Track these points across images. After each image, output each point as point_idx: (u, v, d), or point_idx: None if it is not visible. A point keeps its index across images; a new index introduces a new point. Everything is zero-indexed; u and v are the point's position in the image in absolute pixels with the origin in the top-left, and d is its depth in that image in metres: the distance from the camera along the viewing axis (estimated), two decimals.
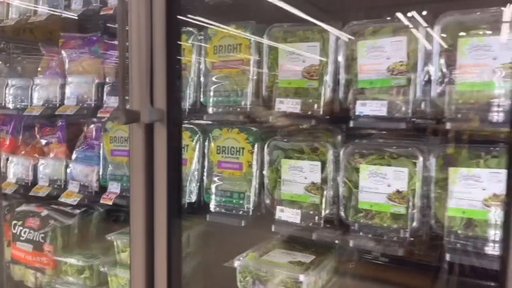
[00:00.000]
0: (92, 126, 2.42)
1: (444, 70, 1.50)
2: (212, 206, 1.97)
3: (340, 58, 1.67)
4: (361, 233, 1.66)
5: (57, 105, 2.43)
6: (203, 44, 1.98)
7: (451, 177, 1.51)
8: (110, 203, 2.21)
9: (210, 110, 1.95)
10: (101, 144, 2.34)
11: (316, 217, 1.75)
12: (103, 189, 2.34)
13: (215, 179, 1.99)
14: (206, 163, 2.03)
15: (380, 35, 1.61)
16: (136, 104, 1.24)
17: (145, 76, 1.20)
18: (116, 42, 2.40)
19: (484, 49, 1.42)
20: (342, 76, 1.68)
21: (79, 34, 2.38)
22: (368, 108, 1.60)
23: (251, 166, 1.91)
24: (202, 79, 1.97)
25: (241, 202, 1.93)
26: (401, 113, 1.55)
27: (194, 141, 2.04)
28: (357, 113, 1.62)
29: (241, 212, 1.91)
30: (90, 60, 2.32)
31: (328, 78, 1.70)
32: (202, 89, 1.97)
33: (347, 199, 1.72)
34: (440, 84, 1.50)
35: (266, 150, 1.87)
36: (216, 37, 1.95)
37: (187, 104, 1.98)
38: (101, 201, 2.24)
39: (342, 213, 1.72)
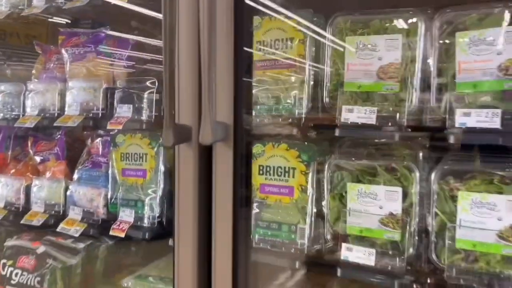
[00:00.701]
0: (98, 140, 2.02)
1: None
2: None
3: (432, 55, 1.30)
4: (461, 281, 1.27)
5: (56, 114, 2.02)
6: None
7: None
8: (122, 235, 1.79)
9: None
10: (110, 162, 1.94)
11: (397, 259, 1.36)
12: (111, 216, 1.93)
13: (255, 206, 1.59)
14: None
15: (487, 24, 1.24)
16: (187, 118, 0.84)
17: (207, 78, 0.79)
18: (129, 37, 2.03)
19: None
20: (434, 77, 1.30)
21: (83, 30, 1.98)
22: (474, 118, 1.22)
23: (305, 191, 1.52)
24: None
25: (292, 236, 1.53)
26: None
27: None
28: (457, 125, 1.24)
29: (293, 250, 1.51)
30: (97, 61, 1.92)
31: (415, 79, 1.32)
32: None
33: (438, 235, 1.33)
34: None
35: (326, 171, 1.48)
36: (259, 30, 1.56)
37: None
38: (111, 233, 1.82)
39: (433, 254, 1.33)
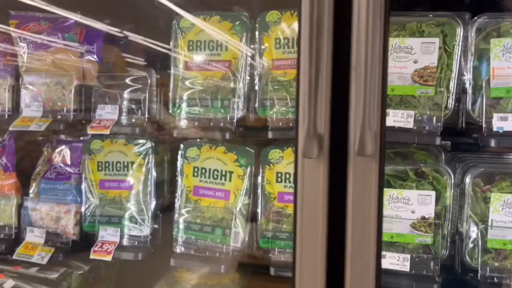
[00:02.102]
0: (63, 147, 1.69)
1: None
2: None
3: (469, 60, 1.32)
4: (495, 279, 1.32)
5: (6, 116, 1.65)
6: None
7: None
8: (109, 258, 1.53)
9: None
10: (83, 174, 1.64)
11: (432, 263, 1.36)
12: (87, 237, 1.64)
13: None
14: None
15: None
16: (324, 124, 0.69)
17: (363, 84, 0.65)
18: (102, 26, 1.71)
19: None
20: (470, 82, 1.32)
21: (44, 14, 1.64)
22: (510, 123, 1.27)
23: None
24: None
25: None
26: None
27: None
28: (495, 129, 1.28)
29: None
30: (66, 52, 1.61)
31: (451, 83, 1.32)
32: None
33: (469, 237, 1.36)
34: None
35: None
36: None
37: None
38: (92, 256, 1.54)
39: (466, 256, 1.35)
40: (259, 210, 1.48)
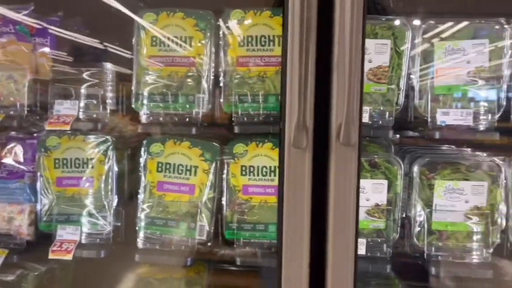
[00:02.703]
0: (14, 144, 1.62)
1: None
2: None
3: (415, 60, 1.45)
4: (439, 258, 1.47)
5: None
6: None
7: None
8: (69, 257, 1.49)
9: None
10: (38, 171, 1.58)
11: (385, 245, 1.49)
12: (42, 236, 1.58)
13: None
14: None
15: (461, 36, 1.45)
16: (310, 117, 0.75)
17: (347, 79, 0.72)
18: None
19: None
20: (417, 80, 1.46)
21: None
22: (452, 117, 1.43)
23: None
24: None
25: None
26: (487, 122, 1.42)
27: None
28: (438, 123, 1.43)
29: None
30: (18, 44, 1.54)
31: (401, 81, 1.45)
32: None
33: (416, 221, 1.50)
34: None
35: None
36: (243, 24, 1.49)
37: None
38: (51, 256, 1.50)
39: (414, 238, 1.50)
40: (224, 203, 1.53)
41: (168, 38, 1.50)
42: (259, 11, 1.47)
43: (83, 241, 1.54)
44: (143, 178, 1.54)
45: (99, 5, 1.55)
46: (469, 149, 1.59)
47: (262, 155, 1.52)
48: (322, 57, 0.82)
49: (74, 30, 1.66)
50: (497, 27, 1.43)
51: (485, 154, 1.52)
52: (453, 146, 1.63)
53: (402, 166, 1.49)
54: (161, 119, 1.50)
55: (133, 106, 1.51)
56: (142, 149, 1.54)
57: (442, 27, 1.44)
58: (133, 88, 1.51)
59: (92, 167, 1.57)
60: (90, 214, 1.55)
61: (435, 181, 1.49)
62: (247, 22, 1.47)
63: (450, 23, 1.44)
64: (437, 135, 1.42)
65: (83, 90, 1.55)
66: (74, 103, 1.50)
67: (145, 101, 1.50)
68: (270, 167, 1.51)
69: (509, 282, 1.47)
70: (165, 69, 1.51)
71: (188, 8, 1.51)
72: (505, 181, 1.47)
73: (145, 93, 1.50)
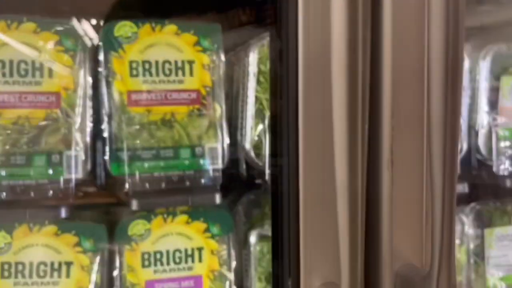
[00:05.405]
0: None
1: None
2: None
3: None
4: None
5: None
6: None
7: None
8: None
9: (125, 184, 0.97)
10: None
11: None
12: None
13: None
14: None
15: None
16: None
17: None
18: None
19: None
20: None
21: None
22: None
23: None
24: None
25: None
26: None
27: None
28: None
29: None
30: None
31: None
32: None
33: None
34: None
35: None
36: (135, 43, 1.00)
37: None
38: None
39: None
40: None
41: (11, 63, 0.93)
42: (159, 25, 1.00)
43: None
44: None
45: None
46: None
47: (174, 234, 1.04)
48: None
49: None
50: None
51: None
52: None
53: None
54: (4, 194, 0.92)
55: None
56: None
57: None
58: None
59: None
60: None
61: None
62: (143, 40, 0.99)
63: None
64: None
65: None
66: None
67: None
68: (186, 250, 1.04)
69: None
70: (8, 112, 0.94)
71: (44, 17, 0.97)
72: None
73: None
